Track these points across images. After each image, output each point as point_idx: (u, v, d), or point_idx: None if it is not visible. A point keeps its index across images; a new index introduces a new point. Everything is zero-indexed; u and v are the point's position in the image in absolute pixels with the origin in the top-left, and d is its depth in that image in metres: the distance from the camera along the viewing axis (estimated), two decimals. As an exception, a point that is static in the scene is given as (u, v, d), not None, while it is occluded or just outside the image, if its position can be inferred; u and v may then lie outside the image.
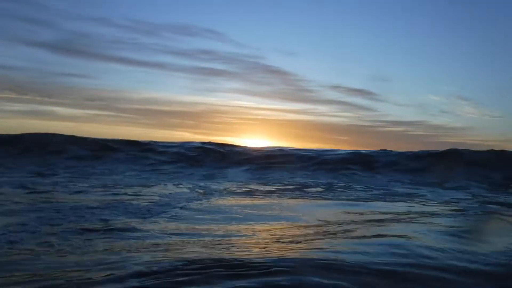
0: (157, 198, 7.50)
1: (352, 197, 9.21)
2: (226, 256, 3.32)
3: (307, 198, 8.74)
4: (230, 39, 59.75)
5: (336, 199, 8.81)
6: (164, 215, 5.68)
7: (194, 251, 3.58)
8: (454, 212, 6.72)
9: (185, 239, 4.17)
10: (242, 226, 5.06)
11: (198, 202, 7.30)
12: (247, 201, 7.92)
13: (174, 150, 22.12)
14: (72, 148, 20.29)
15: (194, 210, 6.33)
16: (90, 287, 2.62)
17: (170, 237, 4.29)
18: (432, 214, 6.37)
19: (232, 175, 15.73)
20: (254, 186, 11.26)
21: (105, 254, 3.49)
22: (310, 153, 22.31)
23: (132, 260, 3.20)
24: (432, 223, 5.28)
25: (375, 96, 68.77)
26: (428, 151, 21.66)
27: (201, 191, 9.20)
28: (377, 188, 11.99)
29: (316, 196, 9.25)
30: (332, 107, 76.45)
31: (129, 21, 54.24)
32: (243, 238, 4.30)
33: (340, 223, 5.33)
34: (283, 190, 10.42)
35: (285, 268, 2.89)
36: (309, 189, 10.96)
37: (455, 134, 70.12)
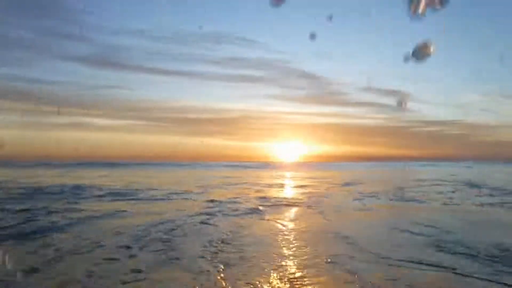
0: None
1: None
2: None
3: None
4: (262, 45, 61.20)
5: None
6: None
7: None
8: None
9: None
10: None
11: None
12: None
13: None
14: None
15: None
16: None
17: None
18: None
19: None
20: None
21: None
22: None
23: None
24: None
25: (410, 96, 67.73)
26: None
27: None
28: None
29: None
30: (365, 109, 75.80)
31: (163, 32, 56.84)
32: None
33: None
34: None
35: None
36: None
37: (495, 133, 67.55)
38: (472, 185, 16.46)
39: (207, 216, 7.74)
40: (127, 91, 59.19)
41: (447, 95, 66.76)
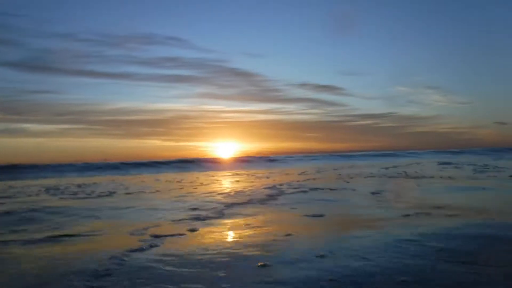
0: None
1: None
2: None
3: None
4: (194, 45, 57.44)
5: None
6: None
7: None
8: None
9: None
10: None
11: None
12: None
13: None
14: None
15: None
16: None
17: None
18: None
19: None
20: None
21: None
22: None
23: None
24: None
25: (343, 91, 68.36)
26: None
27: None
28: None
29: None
30: (300, 105, 75.12)
31: (94, 35, 51.76)
32: None
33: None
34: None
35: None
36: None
37: (424, 124, 70.64)
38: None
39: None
40: (60, 95, 54.34)
41: (378, 89, 67.99)
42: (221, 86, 62.89)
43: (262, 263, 3.06)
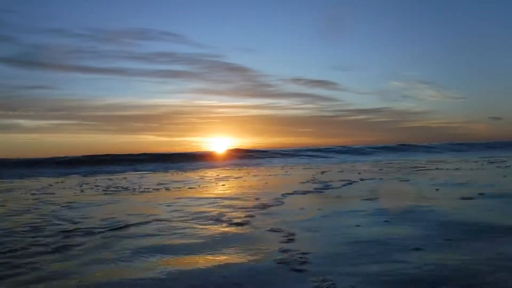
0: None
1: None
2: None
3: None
4: (189, 40, 56.90)
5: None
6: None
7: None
8: None
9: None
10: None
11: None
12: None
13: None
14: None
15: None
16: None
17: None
18: None
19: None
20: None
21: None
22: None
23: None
24: None
25: (337, 86, 68.66)
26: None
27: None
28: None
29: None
30: (294, 100, 75.09)
31: (87, 30, 50.66)
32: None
33: None
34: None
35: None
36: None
37: (418, 119, 71.02)
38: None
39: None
40: (54, 90, 54.30)
41: (372, 84, 68.59)
42: (215, 81, 62.49)
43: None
